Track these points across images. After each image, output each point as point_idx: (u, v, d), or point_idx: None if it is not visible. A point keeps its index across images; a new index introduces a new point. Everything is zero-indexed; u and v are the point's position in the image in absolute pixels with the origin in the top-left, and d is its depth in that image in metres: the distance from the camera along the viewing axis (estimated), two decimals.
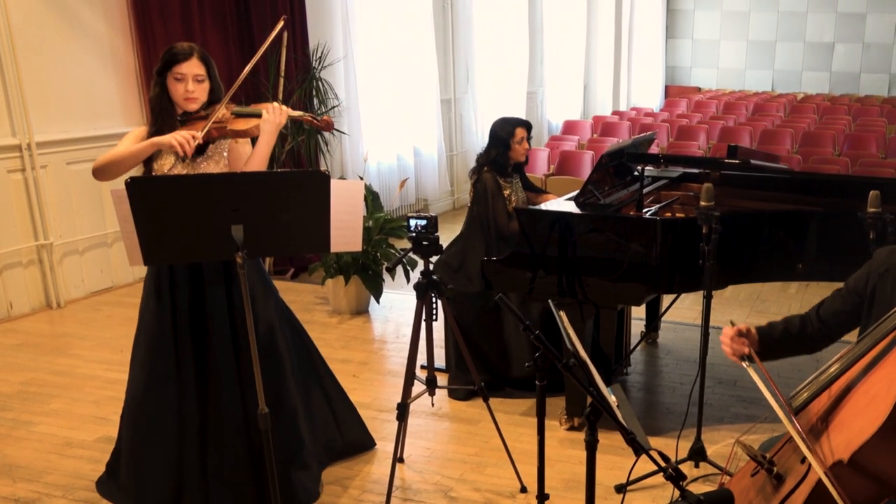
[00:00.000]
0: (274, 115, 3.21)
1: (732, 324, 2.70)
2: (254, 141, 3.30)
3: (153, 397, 3.34)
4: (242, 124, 3.24)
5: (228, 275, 3.31)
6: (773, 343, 2.77)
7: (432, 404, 4.29)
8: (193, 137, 3.11)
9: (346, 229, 3.05)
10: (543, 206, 4.25)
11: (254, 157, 3.28)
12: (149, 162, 3.26)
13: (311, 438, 3.67)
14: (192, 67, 3.21)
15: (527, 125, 4.70)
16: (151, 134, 3.26)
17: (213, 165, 3.33)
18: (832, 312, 2.76)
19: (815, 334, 2.79)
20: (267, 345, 3.45)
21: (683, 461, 3.80)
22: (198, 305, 3.35)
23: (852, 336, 2.68)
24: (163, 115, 3.25)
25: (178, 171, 3.24)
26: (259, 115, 3.24)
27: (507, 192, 4.65)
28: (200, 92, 3.26)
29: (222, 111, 3.22)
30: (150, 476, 3.38)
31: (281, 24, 3.31)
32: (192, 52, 3.23)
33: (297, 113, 3.33)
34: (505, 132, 4.63)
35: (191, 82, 3.21)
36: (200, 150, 3.28)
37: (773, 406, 2.41)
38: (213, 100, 3.32)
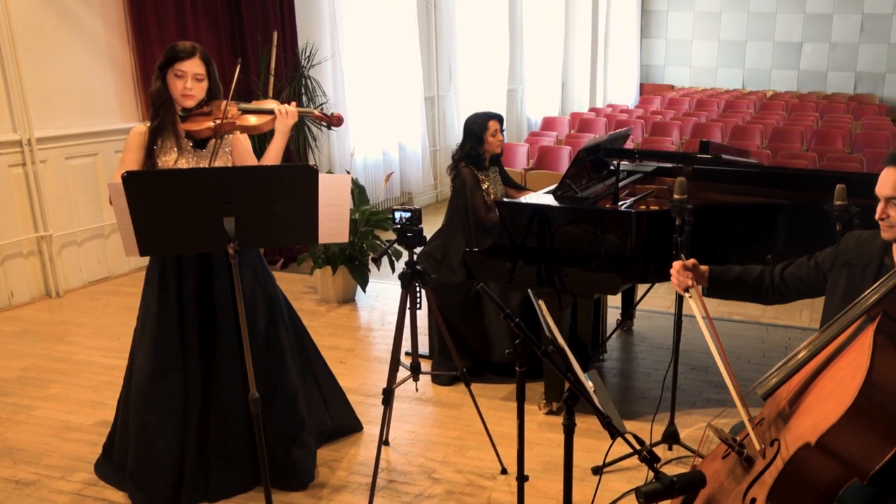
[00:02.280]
0: (288, 117, 3.34)
1: (683, 258, 2.84)
2: (262, 137, 3.38)
3: (160, 385, 3.38)
4: (251, 121, 3.32)
5: None
6: (724, 283, 2.91)
7: (416, 389, 4.39)
8: None
9: (333, 221, 3.14)
10: (523, 199, 4.29)
11: (269, 155, 3.41)
12: (152, 157, 3.31)
13: (309, 419, 3.72)
14: (194, 66, 3.27)
15: (499, 118, 4.74)
16: (153, 128, 3.31)
17: (217, 160, 3.39)
18: (794, 277, 2.88)
19: (771, 288, 2.91)
20: (269, 328, 3.52)
21: (657, 444, 3.88)
22: (205, 292, 3.40)
23: (817, 324, 2.75)
24: (164, 108, 3.31)
25: (182, 165, 3.31)
26: (267, 112, 3.32)
27: (485, 185, 4.71)
28: (198, 90, 3.31)
29: (228, 108, 3.28)
30: (156, 461, 3.40)
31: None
32: (194, 51, 3.29)
33: (306, 109, 3.46)
34: (478, 126, 4.68)
35: (189, 80, 3.27)
36: (203, 144, 3.37)
37: (705, 334, 2.54)
38: (210, 98, 3.38)
